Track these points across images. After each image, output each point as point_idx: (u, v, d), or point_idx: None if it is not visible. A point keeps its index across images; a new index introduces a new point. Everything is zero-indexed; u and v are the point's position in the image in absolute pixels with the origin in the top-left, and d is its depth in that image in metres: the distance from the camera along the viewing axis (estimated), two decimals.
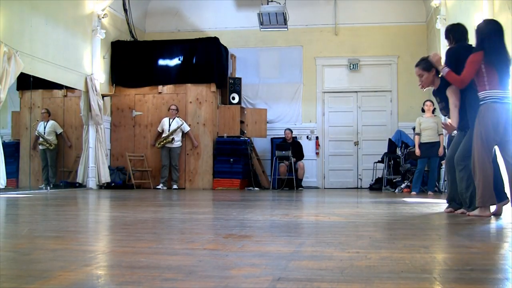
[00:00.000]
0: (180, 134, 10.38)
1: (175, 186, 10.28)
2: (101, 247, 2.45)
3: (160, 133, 10.50)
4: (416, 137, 8.39)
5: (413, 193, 8.10)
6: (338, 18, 11.89)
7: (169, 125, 10.32)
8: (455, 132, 4.21)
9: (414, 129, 8.66)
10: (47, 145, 9.81)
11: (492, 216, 3.75)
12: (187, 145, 10.57)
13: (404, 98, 11.60)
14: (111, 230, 3.24)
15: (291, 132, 10.84)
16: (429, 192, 8.16)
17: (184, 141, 10.53)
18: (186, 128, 10.36)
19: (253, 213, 4.30)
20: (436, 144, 8.18)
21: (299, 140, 11.30)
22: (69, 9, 9.15)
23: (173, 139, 10.22)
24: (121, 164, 10.67)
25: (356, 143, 11.82)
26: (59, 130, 9.98)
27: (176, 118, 10.35)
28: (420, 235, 2.79)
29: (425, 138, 8.21)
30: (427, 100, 8.55)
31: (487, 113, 3.73)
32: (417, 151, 8.29)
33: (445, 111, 4.22)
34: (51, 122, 9.89)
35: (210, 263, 1.90)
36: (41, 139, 9.81)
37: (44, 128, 9.85)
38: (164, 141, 10.28)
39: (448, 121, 4.19)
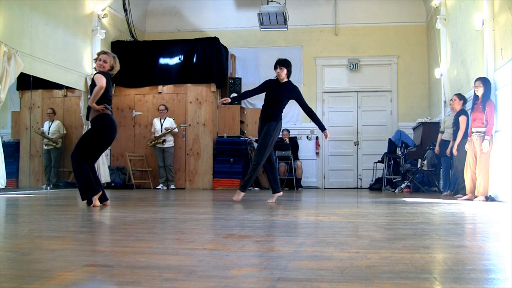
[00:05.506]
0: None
1: (172, 186, 10.28)
2: (101, 247, 2.45)
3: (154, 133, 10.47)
4: (439, 135, 8.17)
5: (446, 193, 7.76)
6: (338, 18, 11.89)
7: (161, 126, 10.30)
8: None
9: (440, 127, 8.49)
10: (54, 144, 9.80)
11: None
12: (187, 145, 10.56)
13: (404, 98, 11.61)
14: (111, 230, 3.24)
15: (289, 132, 10.88)
16: (447, 192, 7.78)
17: (184, 141, 10.53)
18: (175, 130, 10.35)
19: (253, 213, 4.30)
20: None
21: (299, 140, 11.33)
22: (69, 9, 9.15)
23: (164, 140, 10.21)
24: (121, 164, 10.67)
25: (356, 143, 11.83)
26: (64, 130, 9.99)
27: (168, 118, 10.34)
28: (420, 235, 2.79)
29: (447, 136, 7.87)
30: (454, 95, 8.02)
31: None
32: (437, 149, 8.15)
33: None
34: (56, 122, 9.90)
35: (210, 263, 1.90)
36: (45, 140, 9.80)
37: (49, 128, 9.85)
38: (155, 140, 10.26)
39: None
